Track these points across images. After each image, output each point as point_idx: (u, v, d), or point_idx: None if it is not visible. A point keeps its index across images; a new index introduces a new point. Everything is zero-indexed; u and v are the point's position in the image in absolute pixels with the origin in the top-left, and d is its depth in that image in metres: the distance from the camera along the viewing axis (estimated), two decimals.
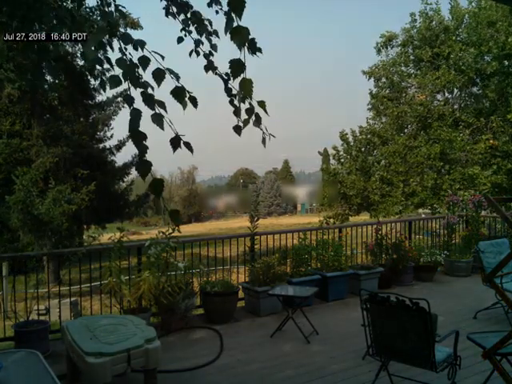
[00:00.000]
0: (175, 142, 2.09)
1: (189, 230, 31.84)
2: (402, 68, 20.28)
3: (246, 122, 2.33)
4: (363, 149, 19.42)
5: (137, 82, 2.08)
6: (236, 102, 2.41)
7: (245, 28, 2.01)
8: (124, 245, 5.32)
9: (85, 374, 3.55)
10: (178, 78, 2.15)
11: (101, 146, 19.60)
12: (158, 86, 2.10)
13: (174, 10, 2.46)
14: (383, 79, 20.11)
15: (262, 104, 2.31)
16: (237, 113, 2.39)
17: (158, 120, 2.04)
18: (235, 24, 1.98)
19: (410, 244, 7.56)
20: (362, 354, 4.27)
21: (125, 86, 2.12)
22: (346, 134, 19.38)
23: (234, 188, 66.37)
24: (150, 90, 2.09)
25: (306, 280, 6.12)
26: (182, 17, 2.47)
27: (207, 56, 2.42)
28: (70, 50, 14.86)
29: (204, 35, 2.47)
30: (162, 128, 2.03)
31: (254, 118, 2.38)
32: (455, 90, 19.71)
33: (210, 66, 2.46)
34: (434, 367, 3.20)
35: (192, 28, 2.49)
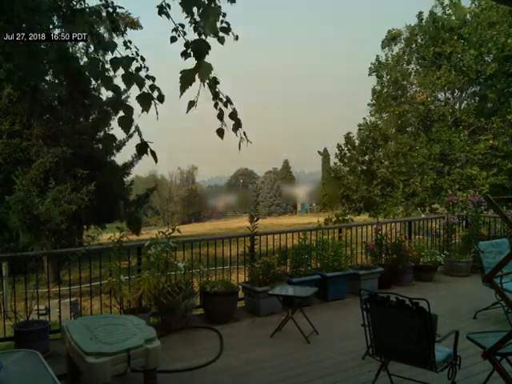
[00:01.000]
0: (141, 149, 2.17)
1: (189, 230, 31.84)
2: (405, 66, 20.30)
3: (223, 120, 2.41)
4: (364, 147, 19.43)
5: (108, 83, 2.10)
6: (220, 106, 2.51)
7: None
8: (124, 245, 5.32)
9: (85, 374, 3.55)
10: (142, 84, 2.16)
11: (101, 146, 19.61)
12: (128, 88, 2.13)
13: (168, 9, 2.45)
14: (386, 76, 20.15)
15: (228, 99, 2.43)
16: (220, 116, 2.48)
17: (124, 123, 2.08)
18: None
19: (410, 244, 7.56)
20: (361, 353, 4.27)
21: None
22: (353, 136, 19.42)
23: (233, 188, 66.37)
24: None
25: (306, 280, 6.12)
26: (176, 16, 2.47)
27: (188, 43, 2.41)
28: (70, 49, 14.84)
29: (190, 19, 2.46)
30: (127, 132, 2.09)
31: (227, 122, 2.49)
32: (456, 91, 19.72)
33: (187, 53, 2.46)
34: (434, 367, 3.20)
35: (186, 29, 2.49)
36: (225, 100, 2.47)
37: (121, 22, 17.40)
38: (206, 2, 2.16)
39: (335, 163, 20.00)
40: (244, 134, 2.55)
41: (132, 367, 3.46)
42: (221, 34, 2.34)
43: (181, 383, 4.04)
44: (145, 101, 2.12)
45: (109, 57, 2.15)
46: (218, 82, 2.45)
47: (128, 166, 20.04)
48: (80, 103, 16.71)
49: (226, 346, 4.83)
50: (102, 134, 19.72)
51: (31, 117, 15.89)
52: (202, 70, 2.15)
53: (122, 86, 2.16)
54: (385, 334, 3.43)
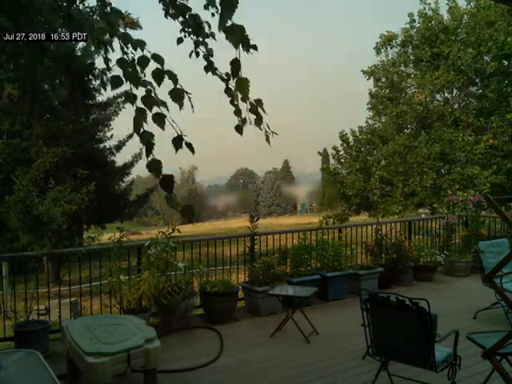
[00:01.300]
0: (177, 142, 2.08)
1: (189, 230, 31.78)
2: (402, 68, 20.29)
3: (244, 121, 2.34)
4: (363, 148, 19.46)
5: (137, 81, 2.08)
6: (236, 102, 2.41)
7: (239, 26, 2.01)
8: (124, 245, 5.32)
9: (85, 374, 3.55)
10: (176, 80, 2.14)
11: (101, 146, 19.63)
12: (159, 85, 2.10)
13: (173, 11, 2.45)
14: (383, 79, 20.13)
15: (259, 103, 2.31)
16: (237, 113, 2.38)
17: (159, 120, 2.03)
18: (230, 23, 1.99)
19: (410, 244, 7.56)
20: (361, 353, 4.27)
21: (126, 86, 2.12)
22: (346, 134, 19.41)
23: (234, 188, 66.38)
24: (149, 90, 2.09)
25: (306, 280, 6.12)
26: (180, 18, 2.47)
27: (207, 57, 2.40)
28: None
29: (200, 38, 2.47)
30: (163, 128, 2.03)
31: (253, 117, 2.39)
32: (454, 90, 19.72)
33: (209, 67, 2.46)
34: (434, 367, 3.20)
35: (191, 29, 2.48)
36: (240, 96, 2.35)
37: (121, 22, 17.42)
38: None
39: (332, 164, 20.05)
40: (268, 126, 2.41)
41: (132, 367, 3.46)
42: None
43: (181, 383, 4.05)
44: (177, 96, 2.09)
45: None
46: (262, 104, 2.38)
47: (128, 166, 20.06)
48: (80, 103, 16.74)
49: (226, 345, 4.83)
50: (102, 134, 19.76)
51: (31, 117, 15.90)
52: (241, 86, 2.17)
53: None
54: (385, 333, 3.43)
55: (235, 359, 4.51)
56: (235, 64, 2.13)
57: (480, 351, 3.26)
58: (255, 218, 6.44)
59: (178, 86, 2.12)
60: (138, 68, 2.12)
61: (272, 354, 4.62)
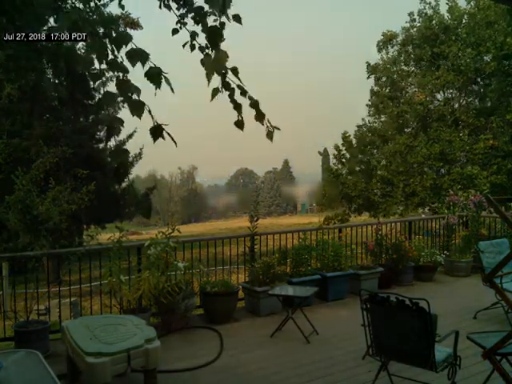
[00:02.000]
0: (156, 132, 2.01)
1: (189, 230, 31.81)
2: (403, 67, 20.29)
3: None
4: (363, 147, 19.45)
5: (103, 56, 1.98)
6: (235, 98, 2.34)
7: None
8: (124, 245, 5.32)
9: (85, 374, 3.55)
10: (147, 58, 2.03)
11: (101, 145, 19.60)
12: (133, 66, 2.01)
13: (170, 1, 2.39)
14: (383, 78, 20.14)
15: (234, 72, 2.26)
16: (237, 108, 2.34)
17: (136, 108, 1.96)
18: None
19: (410, 244, 7.55)
20: (361, 354, 4.27)
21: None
22: (349, 135, 19.41)
23: (234, 188, 66.39)
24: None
25: (306, 280, 6.12)
26: (177, 9, 2.39)
27: (203, 49, 2.29)
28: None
29: (201, 26, 2.37)
30: (140, 116, 1.96)
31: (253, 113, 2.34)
32: (455, 90, 19.72)
33: (194, 46, 2.37)
34: (434, 367, 3.19)
35: (187, 19, 2.40)
36: (240, 90, 2.30)
37: (121, 22, 17.41)
38: None
39: (334, 164, 20.03)
40: (269, 122, 2.35)
41: (132, 367, 3.46)
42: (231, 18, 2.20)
43: (181, 383, 4.04)
44: (154, 77, 2.00)
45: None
46: (237, 72, 2.28)
47: (128, 165, 20.02)
48: (80, 103, 16.74)
49: (225, 346, 4.83)
50: (101, 133, 19.74)
51: (31, 117, 15.89)
52: (218, 59, 2.10)
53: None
54: (385, 333, 3.43)
55: (235, 359, 4.51)
56: (215, 32, 2.08)
57: (480, 351, 3.26)
58: (255, 218, 6.43)
59: (151, 64, 2.02)
60: (110, 45, 2.04)
61: (272, 353, 4.62)
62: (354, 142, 19.49)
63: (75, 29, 2.23)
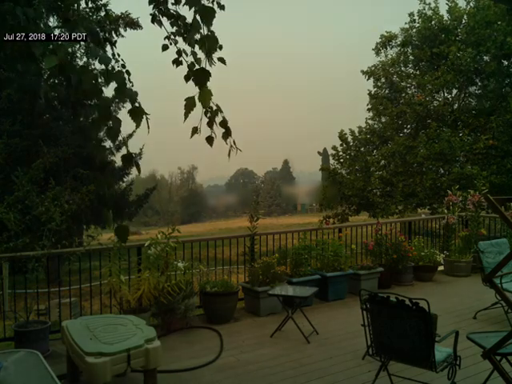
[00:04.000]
0: (127, 160, 2.18)
1: (189, 230, 31.81)
2: (402, 68, 20.28)
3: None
4: (363, 148, 19.43)
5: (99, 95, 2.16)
6: (210, 114, 2.52)
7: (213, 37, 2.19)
8: (124, 245, 5.32)
9: (85, 374, 3.55)
10: (135, 99, 2.21)
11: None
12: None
13: (161, 17, 2.50)
14: (382, 79, 20.11)
15: (218, 108, 2.46)
16: (210, 124, 2.51)
17: (135, 115, 2.12)
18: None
19: (410, 244, 7.56)
20: (361, 353, 4.28)
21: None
22: (345, 134, 19.39)
23: (233, 188, 66.36)
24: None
25: (306, 280, 6.12)
26: (168, 25, 2.52)
27: (190, 66, 2.42)
28: (69, 49, 14.85)
29: (189, 44, 2.49)
30: (139, 124, 2.14)
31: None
32: (454, 90, 19.71)
33: (190, 76, 2.50)
34: (434, 367, 3.20)
35: (178, 38, 2.53)
36: (215, 108, 2.50)
37: (121, 22, 17.41)
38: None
39: (332, 164, 20.00)
40: (234, 142, 2.60)
41: (132, 367, 3.46)
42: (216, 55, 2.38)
43: (181, 383, 4.04)
44: (136, 116, 2.17)
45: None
46: (220, 111, 2.50)
47: None
48: (80, 103, 16.73)
49: (226, 346, 4.83)
50: (102, 134, 19.74)
51: (31, 117, 15.89)
52: (203, 97, 2.24)
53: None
54: (385, 333, 3.43)
55: (235, 359, 4.51)
56: (202, 73, 2.25)
57: (480, 351, 3.26)
58: (255, 218, 6.44)
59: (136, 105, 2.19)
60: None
61: (272, 353, 4.62)
62: (350, 140, 19.43)
63: (75, 29, 2.28)
